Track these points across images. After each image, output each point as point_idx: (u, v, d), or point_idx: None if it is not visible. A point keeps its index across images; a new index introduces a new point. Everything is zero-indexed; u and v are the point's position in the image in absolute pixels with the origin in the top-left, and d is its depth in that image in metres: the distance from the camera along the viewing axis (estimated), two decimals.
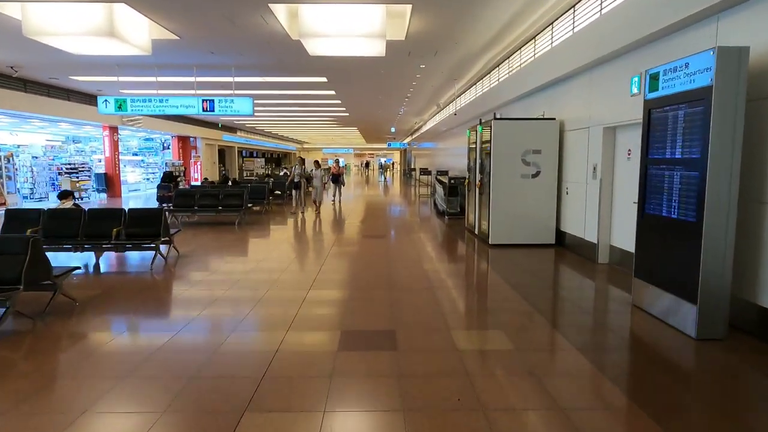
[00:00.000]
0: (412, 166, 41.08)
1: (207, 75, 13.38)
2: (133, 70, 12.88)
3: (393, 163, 69.83)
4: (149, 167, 27.10)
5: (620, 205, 7.10)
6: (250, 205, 13.30)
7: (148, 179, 26.58)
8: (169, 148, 28.45)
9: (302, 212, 14.37)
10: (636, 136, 6.56)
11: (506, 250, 8.50)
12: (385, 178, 44.69)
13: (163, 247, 7.68)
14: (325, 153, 65.70)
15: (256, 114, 25.53)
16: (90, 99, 17.29)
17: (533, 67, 9.72)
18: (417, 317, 4.96)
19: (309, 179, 17.05)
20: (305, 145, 62.86)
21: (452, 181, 12.82)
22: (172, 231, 7.82)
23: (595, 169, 7.46)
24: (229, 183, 16.02)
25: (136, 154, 28.49)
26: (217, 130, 31.44)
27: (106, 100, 12.60)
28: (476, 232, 10.05)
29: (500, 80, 12.77)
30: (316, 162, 15.73)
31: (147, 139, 28.69)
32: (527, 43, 10.47)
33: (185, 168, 27.34)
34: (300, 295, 5.67)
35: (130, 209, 7.49)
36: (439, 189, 14.97)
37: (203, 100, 12.57)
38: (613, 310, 5.30)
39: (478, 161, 9.82)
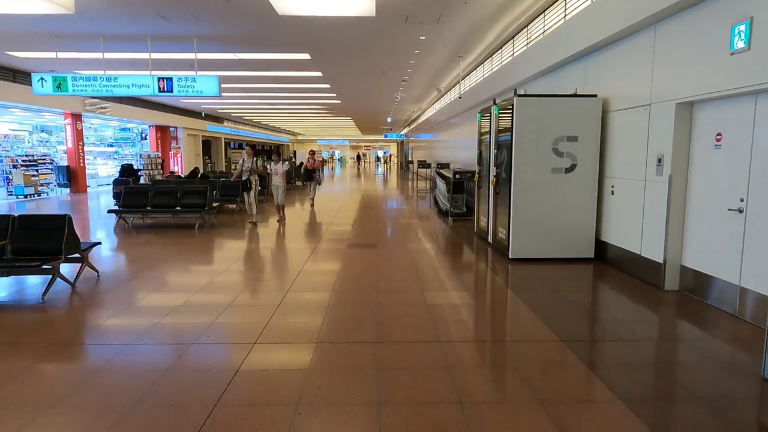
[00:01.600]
0: (410, 159, 39.01)
1: (164, 50, 11.26)
2: (74, 43, 10.77)
3: (390, 156, 67.72)
4: (125, 159, 24.92)
5: (701, 211, 5.10)
6: (218, 203, 11.27)
7: (140, 172, 24.39)
8: (147, 139, 26.30)
9: (254, 222, 10.43)
10: (733, 112, 4.53)
11: (532, 267, 6.51)
12: (385, 171, 42.60)
13: (72, 268, 5.65)
14: (319, 145, 63.56)
15: (239, 102, 23.42)
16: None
17: (563, 33, 7.66)
18: (415, 393, 2.96)
19: (263, 177, 13.05)
20: (299, 137, 60.68)
21: (457, 176, 10.80)
22: (85, 244, 5.78)
23: (660, 161, 5.44)
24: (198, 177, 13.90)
25: (111, 145, 26.33)
26: (200, 120, 29.30)
27: (42, 78, 10.51)
28: (490, 240, 8.05)
29: (515, 55, 10.70)
30: (276, 158, 12.05)
31: (123, 129, 26.52)
32: (555, 2, 8.41)
33: (163, 160, 25.24)
34: (236, 360, 3.66)
35: (19, 216, 5.44)
36: (441, 184, 12.95)
37: (159, 79, 10.49)
38: (743, 395, 3.29)
39: (492, 151, 7.81)
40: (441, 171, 14.22)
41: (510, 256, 6.90)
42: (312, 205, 13.85)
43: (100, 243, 6.25)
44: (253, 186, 10.84)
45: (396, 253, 7.48)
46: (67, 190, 18.70)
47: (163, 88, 10.50)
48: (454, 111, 17.35)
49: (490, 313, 4.79)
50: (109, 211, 10.06)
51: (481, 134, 8.81)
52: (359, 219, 11.33)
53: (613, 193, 6.53)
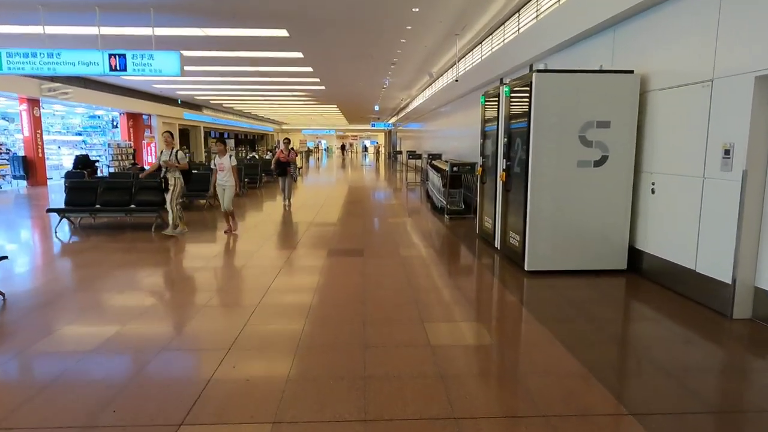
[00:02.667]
0: (398, 149, 37.68)
1: (116, 22, 9.76)
2: (8, 13, 9.23)
3: (379, 146, 66.22)
4: (93, 148, 23.20)
5: None
6: (183, 200, 9.86)
7: (98, 162, 22.71)
8: (118, 127, 24.58)
9: (171, 235, 7.89)
10: None
11: (553, 283, 5.28)
12: (377, 161, 41.19)
13: None
14: (305, 134, 61.88)
15: (215, 88, 21.55)
16: None
17: None
18: None
19: (189, 173, 8.37)
20: (284, 126, 58.90)
21: (455, 169, 9.52)
22: None
23: (728, 153, 4.22)
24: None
25: (80, 134, 24.55)
26: (176, 107, 27.61)
27: None
28: (498, 245, 6.82)
29: (521, 30, 9.42)
30: (221, 148, 8.29)
31: (92, 117, 24.74)
32: None
33: (135, 150, 23.59)
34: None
35: None
36: (435, 178, 11.68)
37: (110, 55, 9.03)
38: None
39: (501, 141, 6.55)
40: (435, 163, 12.94)
41: (525, 268, 5.67)
42: (286, 206, 11.21)
43: (5, 257, 4.88)
44: (174, 186, 7.88)
45: (387, 263, 6.20)
46: (25, 182, 17.08)
47: (115, 66, 9.05)
48: (448, 97, 16.05)
49: (515, 360, 3.54)
50: (49, 210, 8.62)
51: (485, 121, 7.54)
52: (344, 217, 10.02)
53: (653, 192, 5.31)
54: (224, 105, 32.80)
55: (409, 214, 10.63)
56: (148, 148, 24.67)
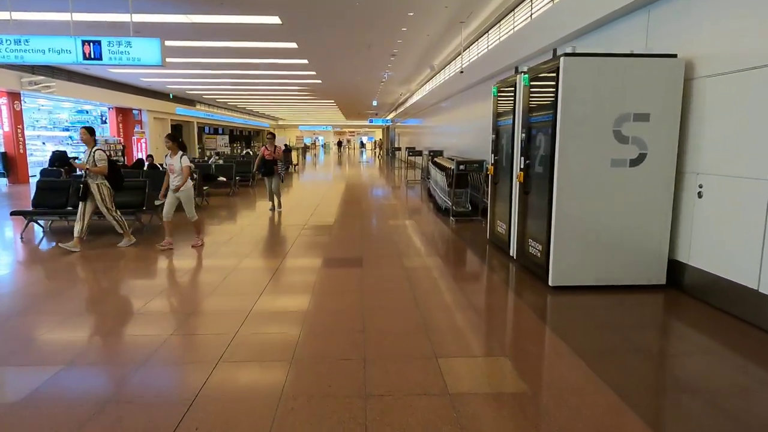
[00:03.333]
0: (396, 145, 36.90)
1: (90, 8, 8.95)
2: None
3: (382, 144, 65.31)
4: (80, 144, 22.32)
5: None
6: (162, 201, 9.07)
7: (78, 159, 21.88)
8: (107, 123, 23.71)
9: (70, 250, 6.50)
10: None
11: (583, 301, 4.55)
12: (379, 157, 40.33)
13: None
14: (301, 130, 61.03)
15: (207, 82, 20.55)
16: None
17: None
18: None
19: (115, 177, 6.81)
20: (280, 122, 58.03)
21: (461, 167, 8.75)
22: None
23: None
24: (146, 166, 11.52)
25: (67, 129, 23.67)
26: (168, 102, 26.77)
27: None
28: (514, 254, 6.07)
29: (534, 16, 8.65)
30: (170, 144, 6.70)
31: (80, 111, 23.87)
32: None
33: (124, 146, 22.75)
34: None
35: None
36: (439, 176, 10.92)
37: (84, 42, 8.22)
38: None
39: (518, 136, 5.80)
40: (437, 160, 12.18)
41: (550, 283, 4.92)
42: (273, 208, 10.20)
43: None
44: (98, 193, 6.48)
45: (389, 276, 5.44)
46: (5, 180, 16.25)
47: (90, 54, 8.24)
48: (450, 90, 15.26)
49: (561, 418, 2.78)
50: (13, 213, 7.82)
51: (497, 114, 6.77)
52: (341, 219, 9.25)
53: (700, 196, 4.56)
54: (218, 100, 31.91)
55: (410, 215, 9.87)
56: (139, 144, 23.85)
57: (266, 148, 10.05)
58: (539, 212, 5.20)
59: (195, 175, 7.00)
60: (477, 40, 12.25)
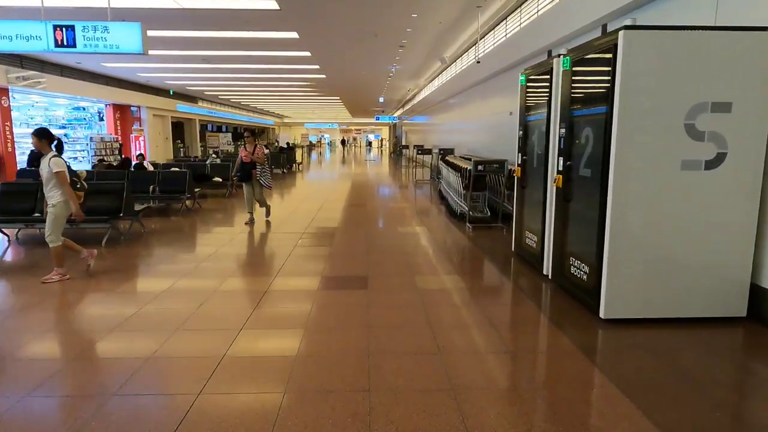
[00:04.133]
0: (404, 143, 35.91)
1: None
2: None
3: (394, 142, 64.27)
4: (77, 143, 21.55)
5: None
6: (146, 205, 8.22)
7: (75, 158, 21.08)
8: (104, 120, 22.89)
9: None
10: None
11: (646, 338, 3.58)
12: (381, 155, 39.26)
13: None
14: (307, 128, 60.16)
15: (205, 77, 19.37)
16: None
17: None
18: None
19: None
20: (285, 119, 57.19)
21: (479, 168, 7.76)
22: None
23: None
24: (132, 167, 10.56)
25: (64, 127, 22.88)
26: (168, 98, 25.92)
27: None
28: (548, 273, 5.09)
29: None
30: (35, 141, 5.00)
31: (76, 108, 23.08)
32: None
33: (122, 144, 21.94)
34: None
35: None
36: (452, 177, 9.94)
37: (55, 28, 7.32)
38: None
39: (555, 133, 4.82)
40: (450, 159, 11.20)
41: (602, 315, 3.94)
42: (250, 221, 8.42)
43: None
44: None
45: (400, 302, 4.48)
46: None
47: (62, 40, 7.33)
48: (464, 84, 14.26)
49: None
50: None
51: (526, 108, 5.81)
52: (344, 226, 8.30)
53: None
54: (220, 97, 31.06)
55: (421, 220, 8.90)
56: (137, 142, 23.02)
57: (244, 148, 8.48)
58: (586, 225, 4.23)
59: (80, 184, 5.38)
60: (496, 26, 11.21)
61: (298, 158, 26.00)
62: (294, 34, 11.81)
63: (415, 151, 20.16)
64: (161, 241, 7.08)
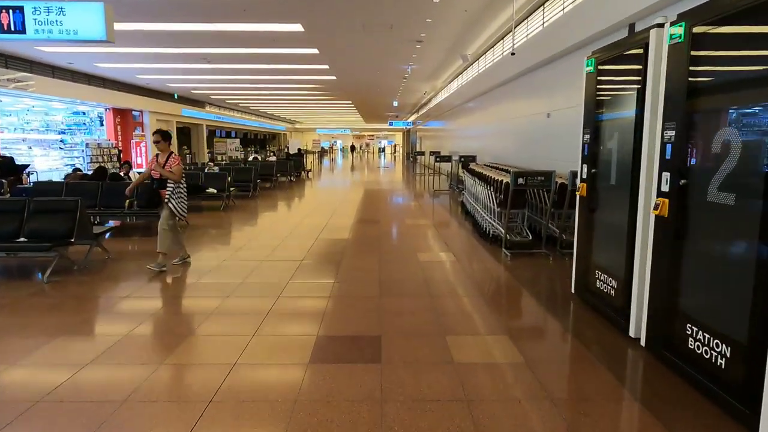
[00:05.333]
0: (419, 149, 34.45)
1: None
2: None
3: (395, 146, 62.88)
4: (75, 149, 20.44)
5: None
6: (109, 227, 6.89)
7: (72, 165, 19.95)
8: (105, 125, 21.79)
9: None
10: None
11: None
12: (394, 161, 37.72)
13: None
14: (319, 134, 59.04)
15: (209, 79, 17.65)
16: None
17: None
18: None
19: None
20: (297, 125, 56.14)
21: (520, 182, 6.22)
22: None
23: None
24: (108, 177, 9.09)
25: (64, 132, 21.82)
26: (173, 103, 24.80)
27: None
28: (641, 337, 3.54)
29: None
30: None
31: (76, 113, 22.02)
32: None
33: (120, 151, 20.80)
34: None
35: None
36: (480, 190, 8.43)
37: (1, 10, 6.00)
38: None
39: (656, 136, 3.30)
40: (475, 168, 9.69)
41: (763, 426, 2.40)
42: (160, 266, 5.58)
43: None
44: None
45: (431, 390, 2.98)
46: None
47: (9, 24, 6.01)
48: (489, 83, 12.76)
49: None
50: None
51: (595, 104, 4.30)
52: (352, 252, 6.82)
53: None
54: (227, 101, 29.90)
55: (446, 242, 7.39)
56: (138, 148, 21.89)
57: (155, 159, 5.78)
58: (721, 277, 2.70)
59: None
60: (534, 12, 9.67)
61: (308, 165, 24.69)
62: (298, 27, 10.43)
63: (432, 158, 18.65)
64: (122, 273, 5.68)
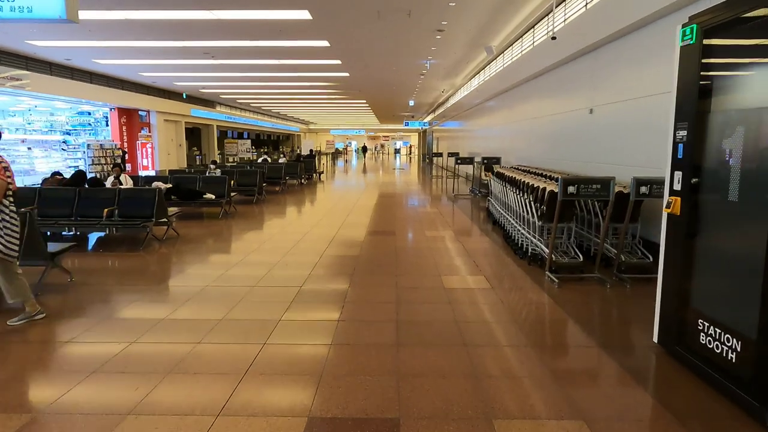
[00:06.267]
0: (435, 150, 33.22)
1: None
2: None
3: (411, 147, 61.58)
4: (78, 150, 19.66)
5: None
6: (66, 246, 5.85)
7: (75, 167, 19.18)
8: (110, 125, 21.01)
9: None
10: None
11: None
12: (409, 163, 36.46)
13: None
14: (333, 134, 58.14)
15: (215, 76, 16.18)
16: None
17: None
18: None
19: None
20: (311, 126, 55.31)
21: (570, 191, 5.00)
22: None
23: None
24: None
25: (69, 133, 21.10)
26: (181, 102, 23.98)
27: None
28: None
29: None
30: None
31: (81, 113, 21.29)
32: None
33: (125, 152, 19.99)
34: None
35: None
36: (512, 197, 7.21)
37: None
38: None
39: None
40: (504, 172, 8.48)
41: None
42: (27, 319, 4.06)
43: None
44: None
45: None
46: None
47: None
48: (517, 77, 11.53)
49: None
50: None
51: (701, 88, 3.08)
52: (362, 280, 5.68)
53: None
54: (238, 101, 29.04)
55: (475, 262, 6.20)
56: (144, 149, 21.06)
57: None
58: None
59: None
60: None
61: (320, 167, 23.62)
62: (305, 14, 9.34)
63: (452, 160, 17.42)
64: (77, 303, 4.62)
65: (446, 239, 7.69)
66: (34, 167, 17.30)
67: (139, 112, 21.25)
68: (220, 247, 7.09)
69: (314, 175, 20.73)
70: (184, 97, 24.23)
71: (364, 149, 52.10)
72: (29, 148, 17.36)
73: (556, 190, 5.30)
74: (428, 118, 39.25)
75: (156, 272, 5.77)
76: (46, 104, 19.19)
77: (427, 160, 39.05)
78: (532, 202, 6.11)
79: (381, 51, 13.16)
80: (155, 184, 9.65)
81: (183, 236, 7.81)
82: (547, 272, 5.42)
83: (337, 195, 14.77)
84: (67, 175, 8.43)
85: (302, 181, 18.38)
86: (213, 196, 9.70)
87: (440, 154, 26.69)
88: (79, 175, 7.65)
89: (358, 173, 26.14)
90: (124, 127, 20.77)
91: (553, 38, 7.76)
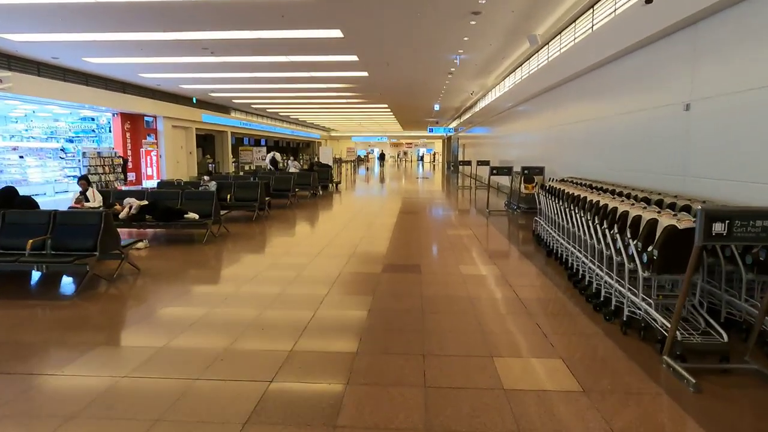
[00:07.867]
0: (461, 158, 31.12)
1: None
2: None
3: (434, 154, 59.46)
4: (76, 158, 18.27)
5: None
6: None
7: (75, 176, 17.76)
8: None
9: None
10: None
11: None
12: (433, 171, 34.31)
13: None
14: (354, 141, 56.52)
15: (224, 78, 13.83)
16: None
17: None
18: None
19: None
20: (332, 133, 53.82)
21: (718, 231, 2.97)
22: None
23: None
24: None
25: (71, 141, 19.82)
26: (191, 107, 22.55)
27: None
28: None
29: None
30: None
31: (83, 119, 20.00)
32: None
33: (126, 161, 18.55)
34: None
35: None
36: (577, 221, 5.15)
37: None
38: None
39: None
40: (574, 191, 6.42)
41: None
42: None
43: None
44: None
45: None
46: None
47: None
48: (571, 69, 9.42)
49: None
50: None
51: None
52: (374, 347, 3.74)
53: None
54: (252, 106, 27.54)
55: (540, 328, 4.18)
56: (148, 158, 19.60)
57: None
58: None
59: None
60: None
61: (337, 177, 21.70)
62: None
63: (481, 169, 15.35)
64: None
65: (490, 280, 5.68)
66: (27, 177, 15.93)
67: (145, 118, 19.84)
68: (183, 292, 5.23)
69: (330, 185, 18.83)
70: (194, 101, 22.78)
71: (382, 156, 50.22)
72: (21, 157, 15.98)
73: (680, 227, 3.27)
74: (453, 124, 37.19)
75: (94, 328, 3.93)
76: (47, 110, 17.96)
77: (452, 168, 36.96)
78: (629, 240, 4.06)
79: (405, 41, 11.25)
80: (127, 200, 7.94)
81: (145, 271, 6.01)
82: (665, 356, 3.38)
83: (353, 210, 12.84)
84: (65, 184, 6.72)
85: (314, 193, 16.18)
86: (196, 216, 7.90)
87: (468, 162, 24.58)
88: (9, 191, 5.90)
89: (379, 183, 24.22)
90: (127, 134, 19.37)
91: (649, 1, 5.70)
